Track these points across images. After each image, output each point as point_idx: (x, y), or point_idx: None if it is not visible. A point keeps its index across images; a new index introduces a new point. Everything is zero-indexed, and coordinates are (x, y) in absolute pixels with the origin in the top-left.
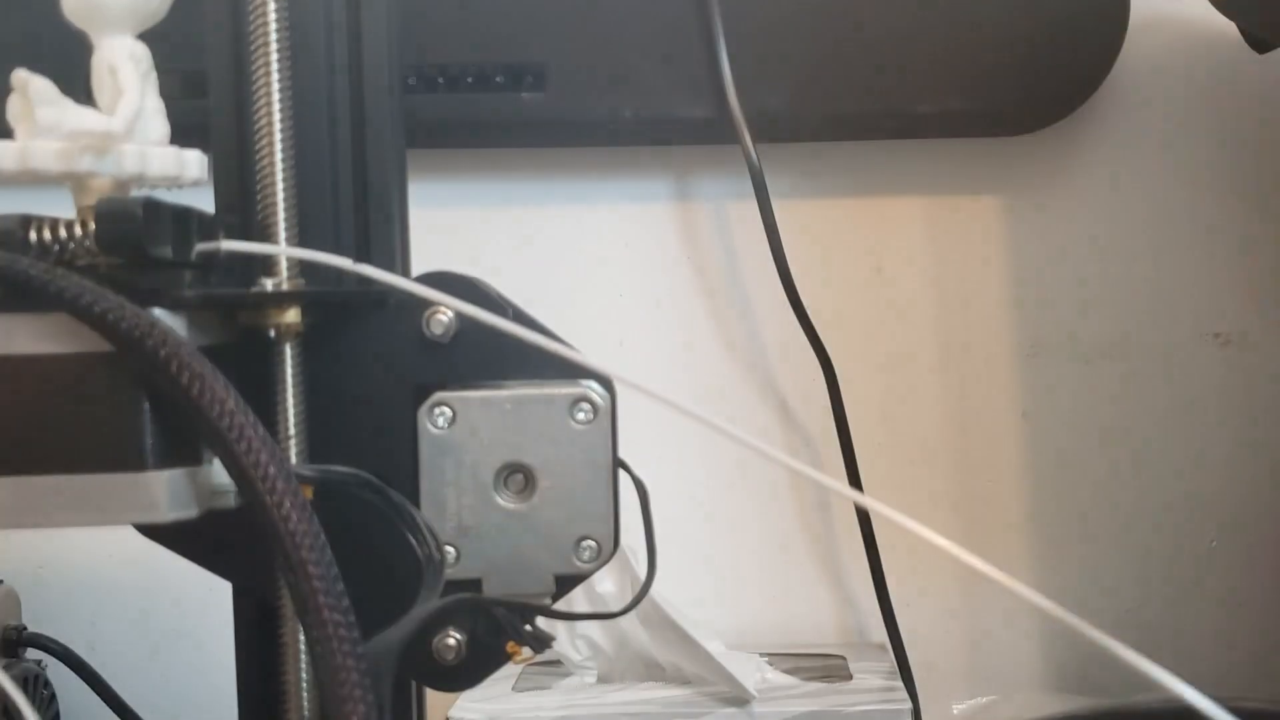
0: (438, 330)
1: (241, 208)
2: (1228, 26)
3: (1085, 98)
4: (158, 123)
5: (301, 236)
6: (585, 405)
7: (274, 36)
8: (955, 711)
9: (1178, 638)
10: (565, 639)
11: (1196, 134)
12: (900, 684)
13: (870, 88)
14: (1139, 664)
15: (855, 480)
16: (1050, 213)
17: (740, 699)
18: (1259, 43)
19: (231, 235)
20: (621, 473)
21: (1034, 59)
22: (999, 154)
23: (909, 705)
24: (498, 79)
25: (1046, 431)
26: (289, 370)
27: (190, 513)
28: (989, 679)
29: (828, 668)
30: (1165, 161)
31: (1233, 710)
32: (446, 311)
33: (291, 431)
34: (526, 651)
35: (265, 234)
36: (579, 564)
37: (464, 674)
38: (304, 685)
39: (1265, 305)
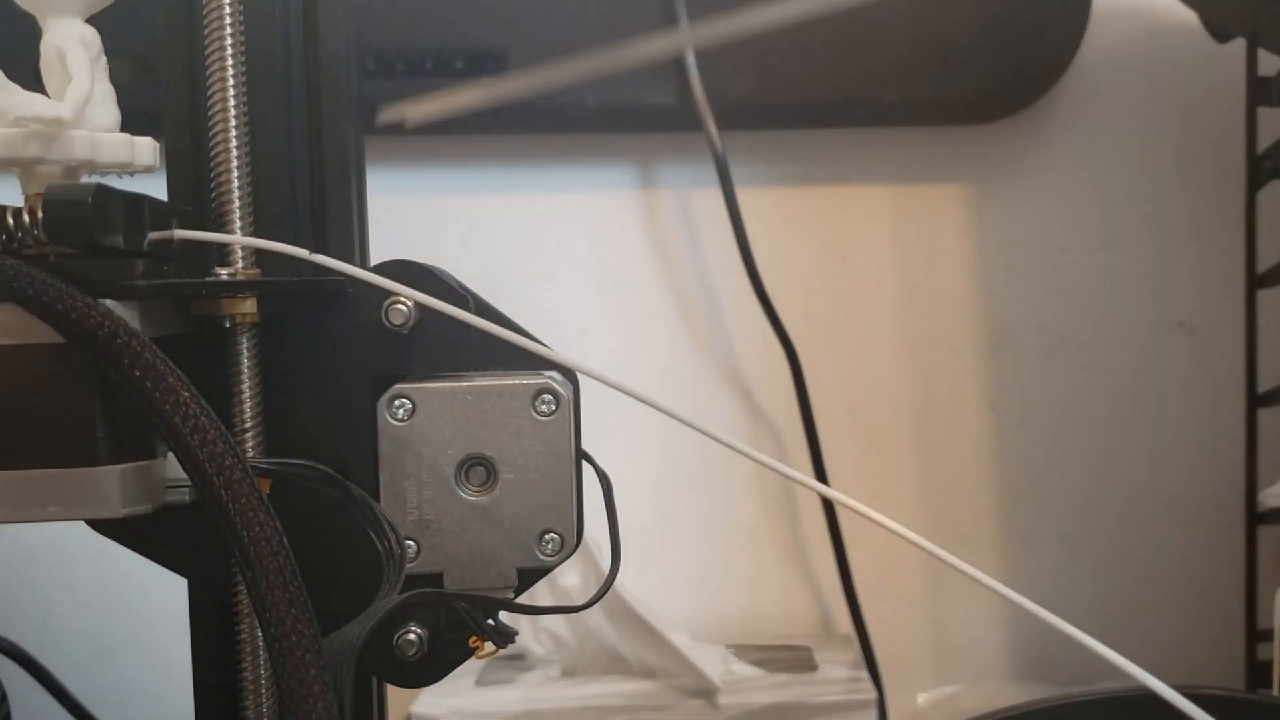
0: (397, 320)
1: (195, 195)
2: (1189, 16)
3: (1049, 86)
4: (108, 108)
5: (257, 225)
6: (547, 396)
7: (228, 21)
8: (920, 701)
9: (1141, 626)
10: (529, 633)
11: (1159, 124)
12: (866, 674)
13: (834, 76)
14: (1103, 652)
15: (820, 471)
16: (1014, 201)
17: (706, 691)
18: (1219, 32)
19: (185, 224)
20: (585, 465)
21: (998, 48)
22: (963, 142)
23: (874, 695)
24: (458, 64)
25: (1012, 422)
26: (245, 361)
27: (144, 508)
28: (954, 669)
29: (793, 659)
30: (1128, 151)
31: (1194, 698)
32: (406, 301)
33: (248, 424)
34: (489, 646)
35: (220, 222)
36: (542, 557)
37: (426, 670)
38: (262, 683)
39: (1227, 294)
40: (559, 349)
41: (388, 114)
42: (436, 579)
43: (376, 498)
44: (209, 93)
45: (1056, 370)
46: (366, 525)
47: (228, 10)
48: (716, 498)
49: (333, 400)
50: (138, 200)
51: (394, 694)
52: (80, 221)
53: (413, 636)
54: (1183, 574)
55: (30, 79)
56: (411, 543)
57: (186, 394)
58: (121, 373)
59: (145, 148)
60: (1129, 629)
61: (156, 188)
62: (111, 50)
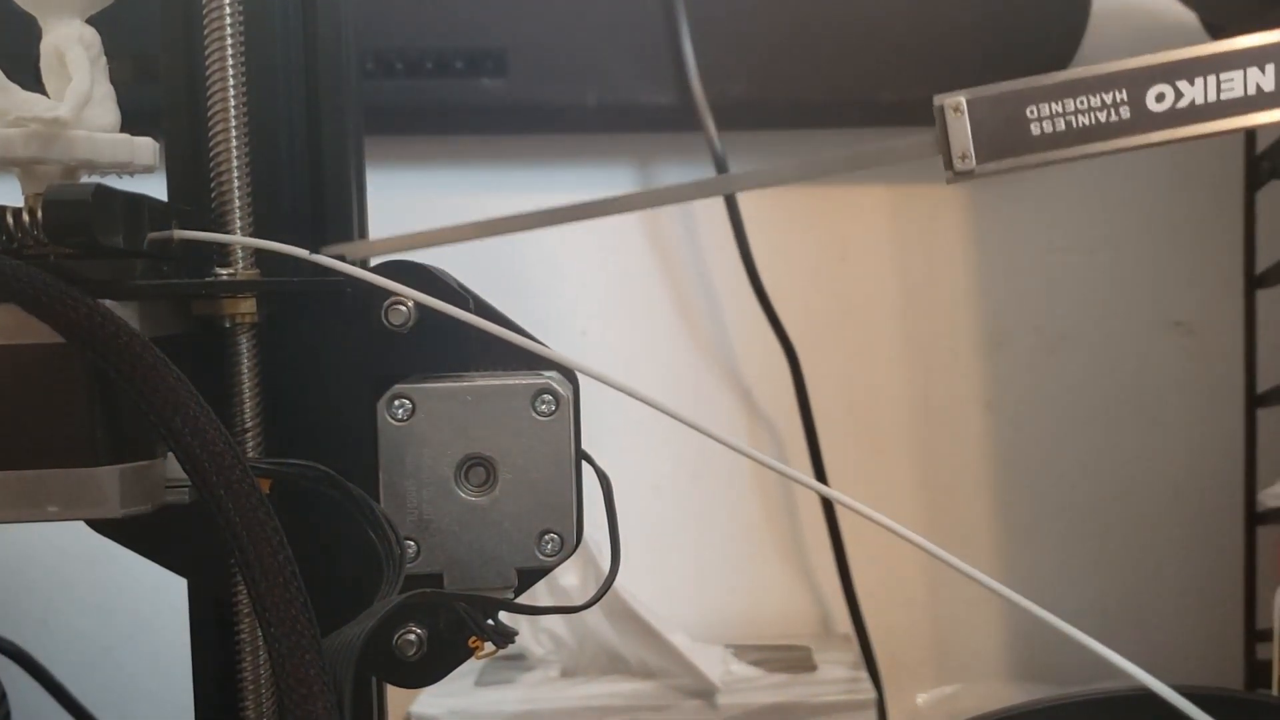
0: (397, 321)
1: (195, 195)
2: (1188, 16)
3: None
4: (108, 108)
5: (257, 225)
6: (547, 397)
7: (228, 20)
8: (919, 701)
9: (1139, 625)
10: (528, 633)
11: None
12: (865, 674)
13: (833, 76)
14: (1101, 651)
15: (820, 470)
16: (1013, 201)
17: (705, 691)
18: (1219, 31)
19: (185, 224)
20: (585, 465)
21: (996, 47)
22: None
23: (873, 695)
24: (458, 64)
25: (1010, 421)
26: (245, 361)
27: (144, 508)
28: (953, 668)
29: (793, 659)
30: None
31: (1193, 697)
32: (406, 301)
33: (248, 424)
34: (489, 646)
35: (219, 223)
36: (541, 557)
37: (425, 670)
38: (262, 683)
39: (1226, 294)
40: (559, 349)
41: (327, 251)
42: (436, 579)
43: (376, 498)
44: (209, 93)
45: (1055, 370)
46: (366, 525)
47: (228, 10)
48: (717, 498)
49: (333, 400)
50: (138, 200)
51: (394, 694)
52: (80, 221)
53: (412, 637)
54: (1182, 574)
55: (30, 79)
56: (411, 543)
57: (186, 394)
58: (121, 373)
59: (145, 148)
60: (1128, 629)
61: (156, 188)
62: (111, 50)
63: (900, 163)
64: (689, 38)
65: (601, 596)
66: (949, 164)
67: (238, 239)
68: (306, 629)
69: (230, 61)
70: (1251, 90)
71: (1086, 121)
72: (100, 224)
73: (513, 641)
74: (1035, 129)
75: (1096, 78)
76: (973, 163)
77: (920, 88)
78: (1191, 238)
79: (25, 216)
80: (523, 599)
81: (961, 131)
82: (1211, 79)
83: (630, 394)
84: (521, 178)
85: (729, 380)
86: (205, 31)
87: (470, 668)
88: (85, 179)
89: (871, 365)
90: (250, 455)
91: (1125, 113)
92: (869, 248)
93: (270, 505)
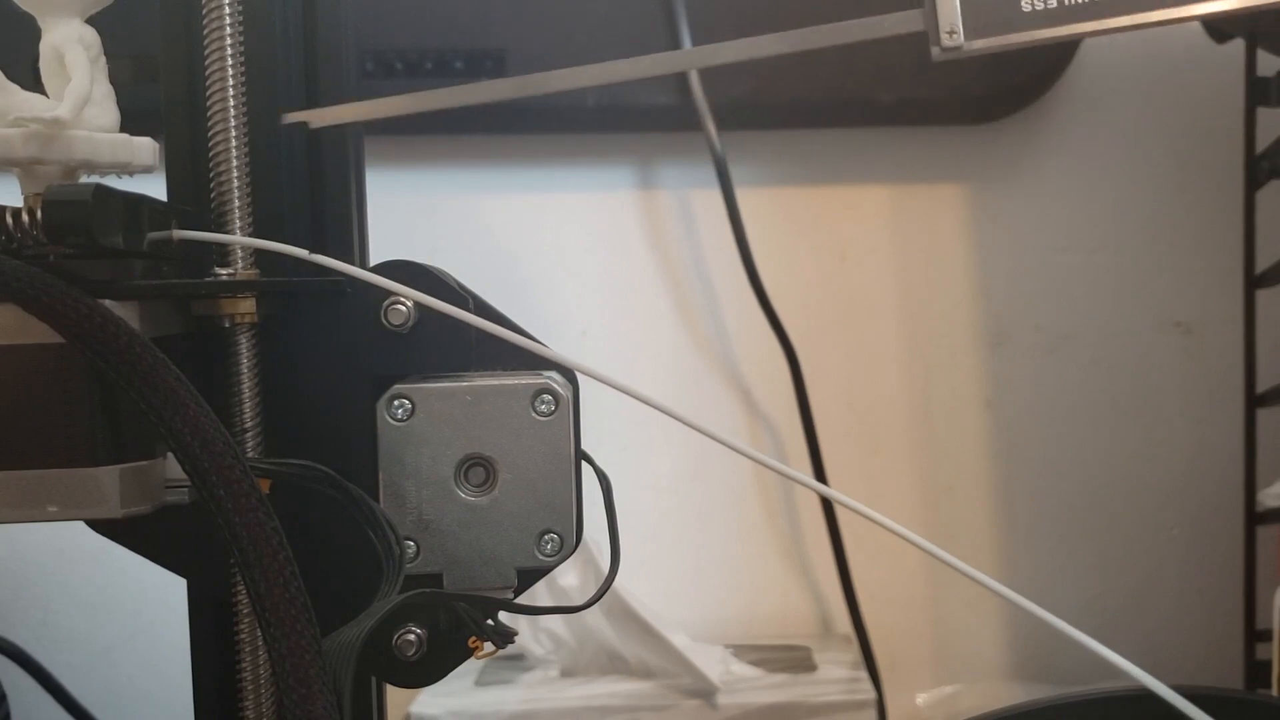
0: (396, 320)
1: (194, 196)
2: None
3: (1048, 86)
4: (108, 108)
5: (256, 225)
6: (547, 397)
7: (227, 20)
8: (919, 701)
9: (1138, 625)
10: (528, 633)
11: (1156, 125)
12: (865, 675)
13: (834, 75)
14: (1100, 651)
15: (820, 470)
16: (1013, 202)
17: (705, 691)
18: (1218, 32)
19: (184, 224)
20: (584, 465)
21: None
22: (962, 142)
23: (873, 695)
24: (457, 64)
25: (1010, 421)
26: (244, 361)
27: (143, 508)
28: (953, 668)
29: (792, 659)
30: (1126, 151)
31: (1193, 698)
32: (405, 301)
33: (248, 424)
34: (488, 646)
35: (219, 223)
36: (541, 558)
37: (425, 670)
38: (262, 683)
39: (1226, 294)
40: (559, 349)
41: (290, 118)
42: (436, 579)
43: (376, 498)
44: (208, 93)
45: (1055, 370)
46: (366, 525)
47: (227, 10)
48: (716, 498)
49: (333, 400)
50: (137, 200)
51: (394, 694)
52: (80, 221)
53: (412, 637)
54: (1182, 574)
55: (30, 79)
56: (411, 543)
57: (186, 394)
58: (121, 373)
59: (145, 148)
60: (1128, 629)
61: (156, 188)
62: (111, 50)
63: (886, 37)
64: (689, 38)
65: (601, 596)
66: (936, 40)
67: (238, 239)
68: (306, 629)
69: (230, 61)
70: None
71: None
72: (100, 224)
73: (513, 641)
74: (1026, 5)
75: None
76: (960, 39)
77: (920, 88)
78: (1191, 238)
79: (25, 216)
80: (523, 599)
81: (950, 6)
82: None
83: (630, 394)
84: (522, 178)
85: (729, 380)
86: (205, 31)
87: (470, 668)
88: (85, 179)
89: (871, 365)
90: (250, 455)
91: None
92: (869, 248)
93: (270, 505)
